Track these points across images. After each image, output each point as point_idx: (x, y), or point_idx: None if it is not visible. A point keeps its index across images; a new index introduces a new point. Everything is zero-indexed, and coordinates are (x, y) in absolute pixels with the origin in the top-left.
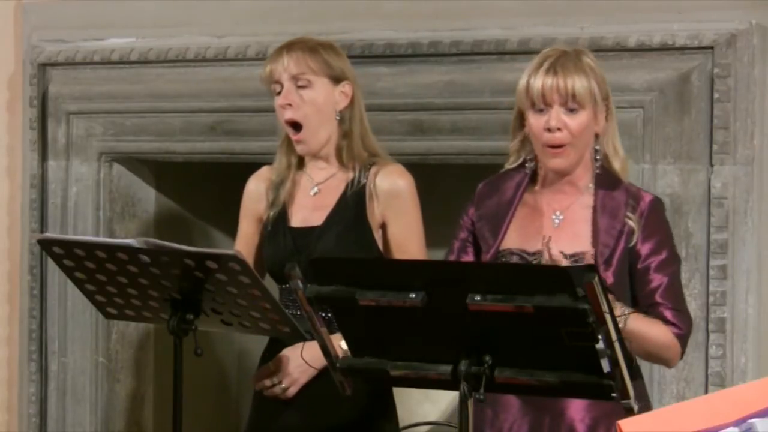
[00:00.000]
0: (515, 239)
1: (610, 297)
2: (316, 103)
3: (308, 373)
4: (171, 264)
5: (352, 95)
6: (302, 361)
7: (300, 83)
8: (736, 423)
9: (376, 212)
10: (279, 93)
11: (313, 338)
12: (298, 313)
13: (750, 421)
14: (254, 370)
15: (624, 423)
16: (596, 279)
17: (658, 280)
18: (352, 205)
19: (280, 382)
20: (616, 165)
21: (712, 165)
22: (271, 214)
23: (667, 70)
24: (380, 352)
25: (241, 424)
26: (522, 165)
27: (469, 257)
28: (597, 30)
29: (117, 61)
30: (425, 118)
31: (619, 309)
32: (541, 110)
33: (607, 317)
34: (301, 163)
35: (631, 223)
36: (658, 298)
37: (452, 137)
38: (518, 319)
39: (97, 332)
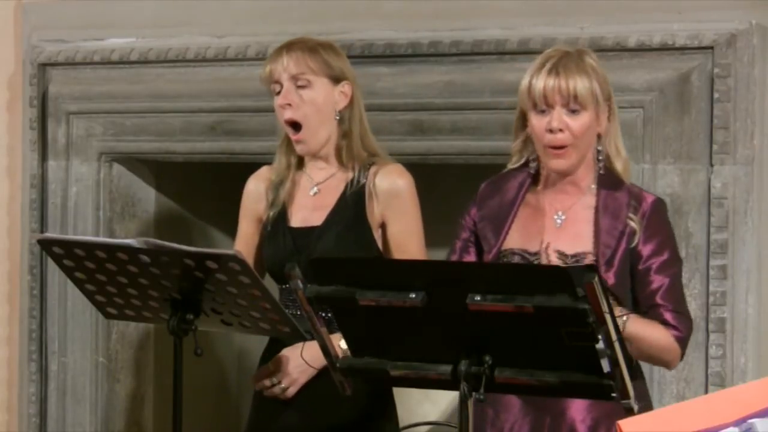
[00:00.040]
0: (517, 239)
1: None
2: (315, 103)
3: (307, 373)
4: (171, 264)
5: (352, 95)
6: (302, 361)
7: (300, 83)
8: (736, 423)
9: (375, 212)
10: (279, 93)
11: (313, 338)
12: (298, 313)
13: (750, 421)
14: (254, 370)
15: (624, 423)
16: (596, 279)
17: (659, 281)
18: (352, 204)
19: (279, 382)
20: (618, 165)
21: (712, 165)
22: (271, 214)
23: (667, 70)
24: (380, 352)
25: (241, 424)
26: (525, 165)
27: (471, 257)
28: (597, 30)
29: (117, 61)
30: (425, 118)
31: (618, 312)
32: (543, 111)
33: (607, 317)
34: (300, 163)
35: (632, 223)
36: (658, 299)
37: (452, 137)
38: (518, 319)
39: (97, 332)
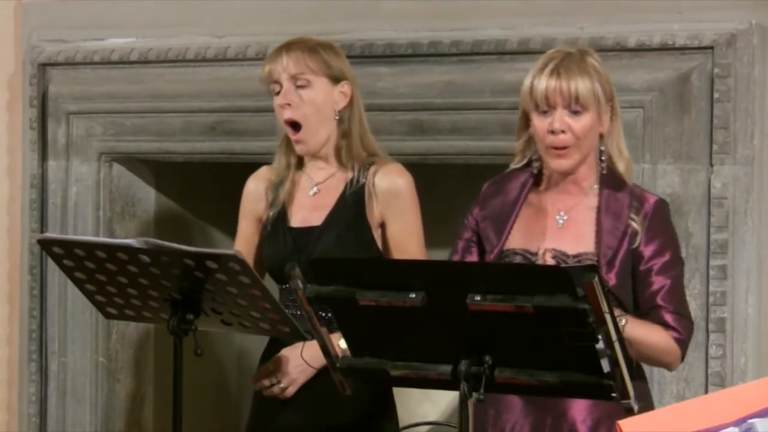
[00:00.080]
0: (519, 239)
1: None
2: (315, 103)
3: (307, 373)
4: (171, 264)
5: (351, 95)
6: (301, 361)
7: (299, 83)
8: (736, 423)
9: (375, 211)
10: (278, 93)
11: (312, 338)
12: (298, 313)
13: (750, 421)
14: (254, 370)
15: (624, 423)
16: (596, 279)
17: (660, 282)
18: (352, 204)
19: (278, 382)
20: (621, 166)
21: (712, 165)
22: (271, 214)
23: (667, 70)
24: (380, 352)
25: (241, 424)
26: (527, 165)
27: (473, 257)
28: (597, 30)
29: (117, 61)
30: (425, 118)
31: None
32: (544, 112)
33: (607, 317)
34: (300, 163)
35: (634, 224)
36: (659, 300)
37: (452, 137)
38: (518, 319)
39: (97, 332)
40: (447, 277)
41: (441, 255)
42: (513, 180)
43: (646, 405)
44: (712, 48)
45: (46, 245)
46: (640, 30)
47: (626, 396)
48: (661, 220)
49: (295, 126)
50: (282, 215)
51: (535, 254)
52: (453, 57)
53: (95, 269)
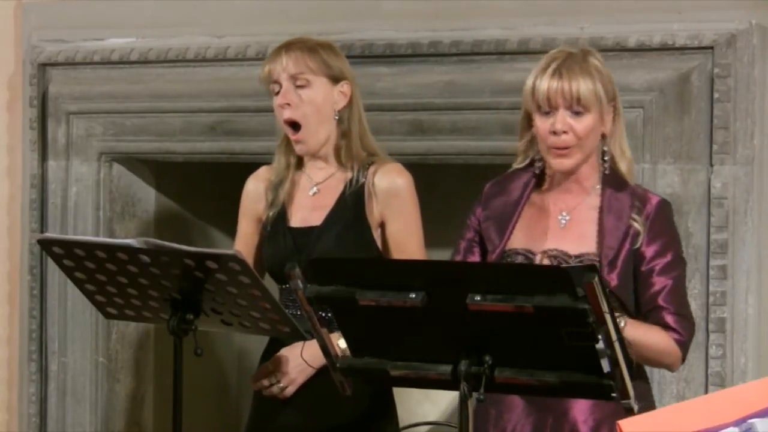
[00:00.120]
0: (521, 239)
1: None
2: (314, 103)
3: (306, 373)
4: (171, 264)
5: (351, 95)
6: (300, 361)
7: (299, 83)
8: (736, 423)
9: (375, 211)
10: (278, 93)
11: (312, 338)
12: (298, 313)
13: (750, 421)
14: (254, 370)
15: (624, 423)
16: (596, 279)
17: (661, 283)
18: (351, 204)
19: (278, 382)
20: (623, 166)
21: (712, 165)
22: (271, 214)
23: (667, 70)
24: (380, 352)
25: (241, 424)
26: (530, 165)
27: (475, 257)
28: (597, 30)
29: (117, 61)
30: (425, 118)
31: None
32: (546, 113)
33: (607, 317)
34: (300, 163)
35: (636, 225)
36: (660, 301)
37: (452, 137)
38: (518, 319)
39: (97, 332)
40: (447, 277)
41: (441, 255)
42: (515, 180)
43: (647, 405)
44: (712, 48)
45: (46, 245)
46: (640, 30)
47: (626, 396)
48: (663, 220)
49: (295, 126)
50: (282, 215)
51: (538, 255)
52: (453, 57)
53: (95, 269)
